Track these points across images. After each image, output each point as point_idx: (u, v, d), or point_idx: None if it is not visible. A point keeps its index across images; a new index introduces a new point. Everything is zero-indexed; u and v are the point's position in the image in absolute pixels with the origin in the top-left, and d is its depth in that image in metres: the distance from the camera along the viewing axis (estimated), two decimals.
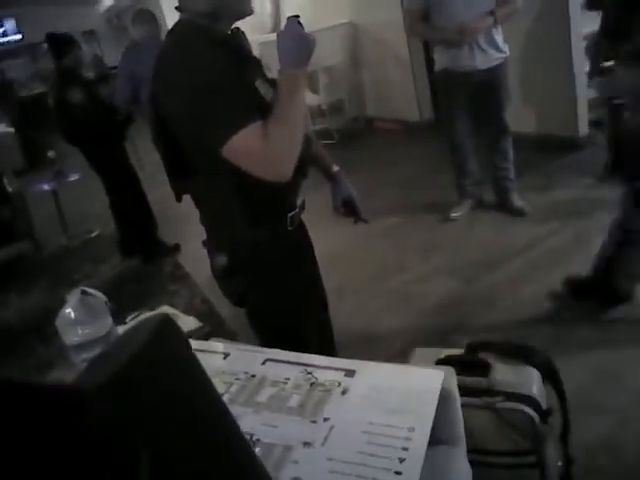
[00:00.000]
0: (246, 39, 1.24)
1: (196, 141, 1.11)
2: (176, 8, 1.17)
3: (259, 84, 1.14)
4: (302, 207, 1.31)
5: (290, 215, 1.24)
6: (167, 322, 0.44)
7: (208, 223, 1.29)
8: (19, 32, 12.34)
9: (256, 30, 3.22)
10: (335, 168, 1.44)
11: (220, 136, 1.03)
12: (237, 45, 1.18)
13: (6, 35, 12.55)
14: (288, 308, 1.29)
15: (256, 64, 1.23)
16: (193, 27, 1.11)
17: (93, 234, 4.61)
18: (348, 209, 1.45)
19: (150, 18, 3.34)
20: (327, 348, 1.44)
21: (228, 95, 1.04)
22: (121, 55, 3.38)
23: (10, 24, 12.45)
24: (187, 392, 0.43)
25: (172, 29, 1.15)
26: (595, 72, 3.34)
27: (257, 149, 1.03)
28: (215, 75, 1.04)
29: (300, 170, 1.12)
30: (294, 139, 1.07)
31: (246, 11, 1.15)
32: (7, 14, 12.03)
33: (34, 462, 0.33)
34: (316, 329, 1.34)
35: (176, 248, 3.79)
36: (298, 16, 1.07)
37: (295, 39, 1.05)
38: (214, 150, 1.05)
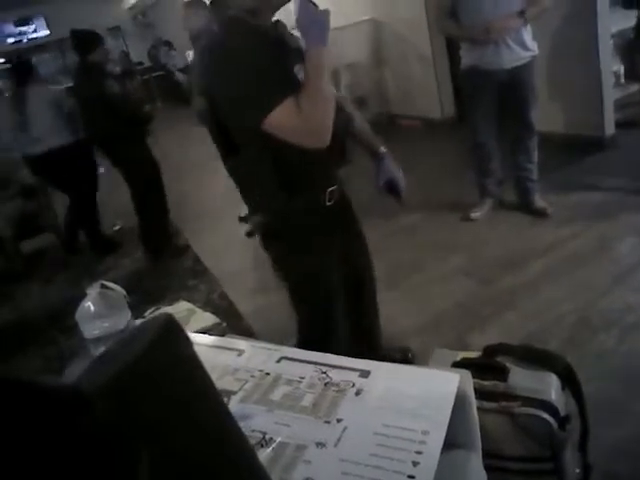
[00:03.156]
0: (287, 30, 1.38)
1: (240, 121, 1.25)
2: (214, 2, 1.34)
3: (298, 70, 1.27)
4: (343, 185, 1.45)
5: (329, 190, 1.36)
6: (171, 323, 0.44)
7: (247, 196, 1.42)
8: (47, 28, 12.65)
9: None
10: (383, 149, 1.55)
11: (259, 113, 1.18)
12: (277, 35, 1.33)
13: (36, 31, 12.88)
14: (317, 283, 1.42)
15: (296, 52, 1.34)
16: (238, 22, 1.26)
17: (115, 227, 4.68)
18: (391, 189, 1.56)
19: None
20: (363, 335, 1.53)
21: (265, 77, 1.19)
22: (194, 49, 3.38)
23: (39, 21, 12.78)
24: (188, 394, 0.43)
25: (220, 24, 1.29)
26: (633, 73, 3.21)
27: (294, 121, 1.18)
28: (255, 62, 1.18)
29: (339, 149, 1.27)
30: (325, 108, 1.20)
31: (284, 0, 1.28)
32: (37, 11, 12.37)
33: (35, 462, 0.33)
34: (342, 307, 1.46)
35: (185, 249, 3.78)
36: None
37: (312, 18, 1.18)
38: (255, 126, 1.19)
